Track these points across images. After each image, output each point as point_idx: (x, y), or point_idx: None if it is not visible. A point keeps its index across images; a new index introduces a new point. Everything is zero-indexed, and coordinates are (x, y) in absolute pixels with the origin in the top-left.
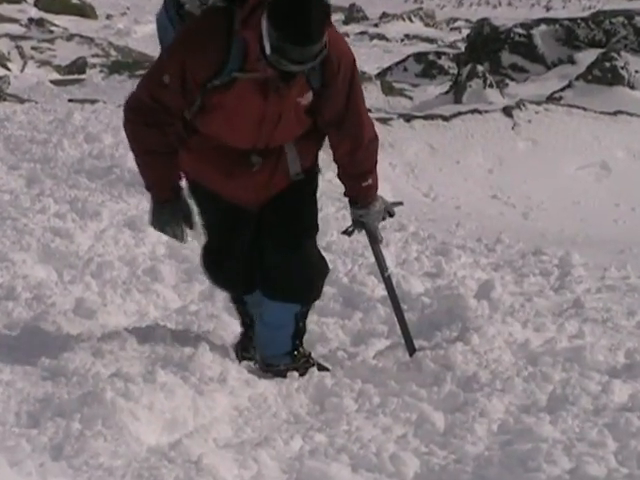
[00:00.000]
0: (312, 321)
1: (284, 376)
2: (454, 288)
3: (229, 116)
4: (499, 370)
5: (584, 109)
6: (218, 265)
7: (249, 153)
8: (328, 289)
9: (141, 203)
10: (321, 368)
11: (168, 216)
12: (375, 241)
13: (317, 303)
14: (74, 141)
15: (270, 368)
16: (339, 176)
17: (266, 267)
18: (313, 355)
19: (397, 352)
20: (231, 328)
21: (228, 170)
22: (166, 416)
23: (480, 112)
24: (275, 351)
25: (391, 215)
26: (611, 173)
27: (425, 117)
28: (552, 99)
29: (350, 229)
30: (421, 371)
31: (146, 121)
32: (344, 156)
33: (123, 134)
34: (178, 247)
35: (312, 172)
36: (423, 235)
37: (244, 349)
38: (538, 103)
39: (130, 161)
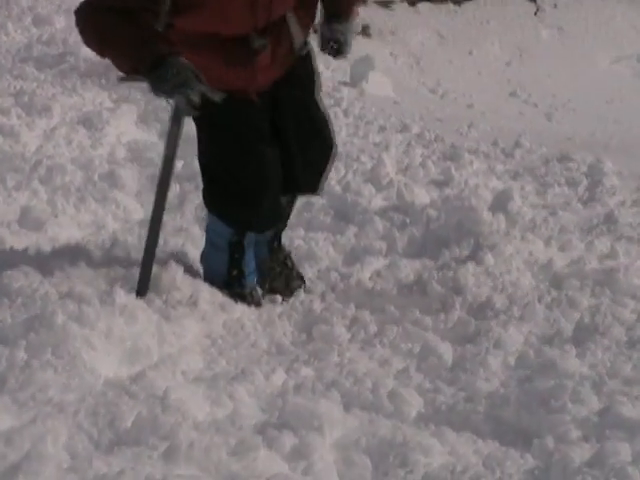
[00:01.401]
0: (299, 236)
1: (256, 301)
2: (465, 199)
3: (217, 8)
4: (517, 295)
5: None
6: (245, 187)
7: (249, 38)
8: (317, 199)
9: (98, 97)
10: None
11: (178, 68)
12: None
13: (305, 215)
14: (20, 24)
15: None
16: None
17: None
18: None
19: (397, 272)
20: (202, 243)
21: (227, 60)
22: (126, 344)
23: None
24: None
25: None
26: None
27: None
28: None
29: (334, 46)
30: (426, 295)
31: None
32: None
33: None
34: (141, 149)
35: (309, 46)
36: (429, 137)
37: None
38: None
39: (86, 48)
